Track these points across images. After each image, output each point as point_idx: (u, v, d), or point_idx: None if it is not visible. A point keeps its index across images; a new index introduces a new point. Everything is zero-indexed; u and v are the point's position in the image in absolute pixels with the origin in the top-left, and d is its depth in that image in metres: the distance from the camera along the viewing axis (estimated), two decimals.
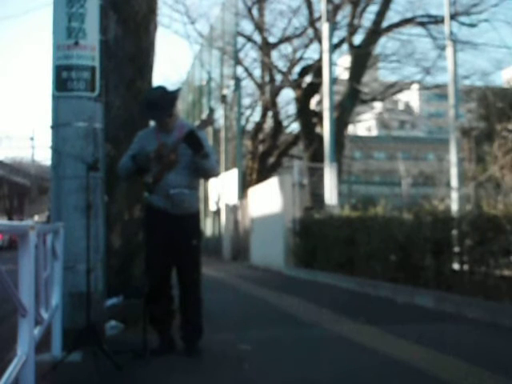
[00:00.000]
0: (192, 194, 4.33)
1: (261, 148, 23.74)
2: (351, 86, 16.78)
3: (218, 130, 22.05)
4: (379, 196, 10.91)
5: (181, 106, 26.77)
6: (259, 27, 20.65)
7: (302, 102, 18.57)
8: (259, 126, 23.98)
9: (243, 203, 17.37)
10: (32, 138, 48.65)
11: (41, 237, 3.32)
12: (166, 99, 4.23)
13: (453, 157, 11.46)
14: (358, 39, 17.99)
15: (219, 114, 21.39)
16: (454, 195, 10.56)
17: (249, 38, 21.25)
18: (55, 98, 4.58)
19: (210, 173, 4.46)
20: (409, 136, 41.43)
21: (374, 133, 46.81)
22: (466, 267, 6.65)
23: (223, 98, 20.64)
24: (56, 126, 4.58)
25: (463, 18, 16.19)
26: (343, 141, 16.89)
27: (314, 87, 18.14)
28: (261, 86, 22.61)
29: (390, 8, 17.07)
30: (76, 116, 4.52)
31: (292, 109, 23.35)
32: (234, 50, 19.56)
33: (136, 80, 5.85)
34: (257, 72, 23.52)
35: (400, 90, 21.78)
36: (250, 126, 24.65)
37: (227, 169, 19.78)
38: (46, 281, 3.68)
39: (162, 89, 4.33)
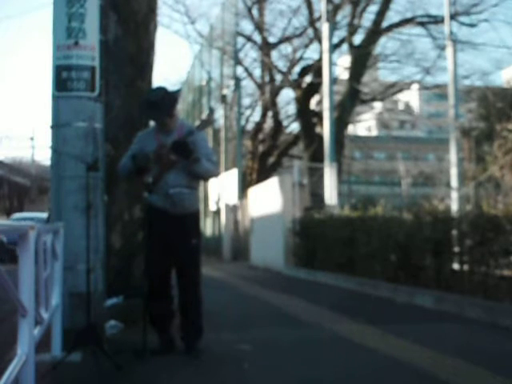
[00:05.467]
0: (191, 193, 4.33)
1: (261, 148, 23.73)
2: (351, 86, 16.78)
3: (218, 129, 22.05)
4: (379, 196, 10.91)
5: (181, 106, 26.75)
6: (259, 27, 20.65)
7: (302, 102, 18.57)
8: (259, 126, 23.96)
9: (243, 203, 17.37)
10: (32, 138, 48.60)
11: (41, 237, 3.32)
12: (166, 100, 4.24)
13: (453, 157, 11.45)
14: (358, 39, 18.02)
15: (219, 114, 21.39)
16: (454, 195, 10.56)
17: (249, 38, 21.26)
18: (55, 98, 4.58)
19: (203, 176, 4.48)
20: (409, 136, 41.37)
21: (374, 133, 46.78)
22: (466, 267, 6.64)
23: (223, 98, 20.63)
24: (56, 126, 4.58)
25: (463, 18, 16.23)
26: (343, 141, 16.89)
27: (314, 87, 18.13)
28: (261, 86, 22.60)
29: (390, 8, 17.09)
30: (76, 116, 4.52)
31: (292, 109, 23.36)
32: (233, 50, 19.55)
33: (136, 80, 5.85)
34: (257, 72, 23.53)
35: (400, 90, 21.77)
36: (250, 126, 24.65)
37: (227, 169, 19.77)
38: (46, 281, 3.68)
39: (162, 89, 4.33)
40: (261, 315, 6.49)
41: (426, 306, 6.67)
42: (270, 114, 23.38)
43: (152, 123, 4.58)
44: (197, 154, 4.18)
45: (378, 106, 29.24)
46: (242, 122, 22.20)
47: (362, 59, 17.13)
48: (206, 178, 4.74)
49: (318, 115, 17.28)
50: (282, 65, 21.70)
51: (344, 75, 19.09)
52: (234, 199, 18.36)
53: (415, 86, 23.33)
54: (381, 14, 17.01)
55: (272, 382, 3.72)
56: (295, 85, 19.11)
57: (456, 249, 6.85)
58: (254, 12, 20.77)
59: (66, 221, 4.38)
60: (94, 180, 4.39)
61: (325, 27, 13.52)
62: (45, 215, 16.09)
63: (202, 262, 4.45)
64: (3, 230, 2.62)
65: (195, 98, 25.48)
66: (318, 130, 17.43)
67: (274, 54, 21.46)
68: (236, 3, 19.02)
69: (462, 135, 11.16)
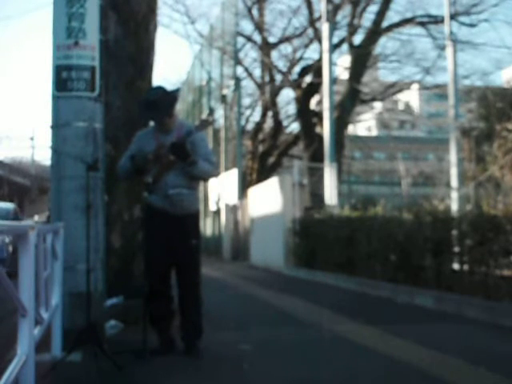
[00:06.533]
0: (191, 193, 4.33)
1: (261, 148, 23.73)
2: (351, 86, 16.77)
3: (218, 129, 22.06)
4: (379, 196, 10.91)
5: (181, 106, 26.78)
6: (259, 27, 20.64)
7: (302, 102, 18.56)
8: (259, 126, 23.97)
9: (243, 203, 17.37)
10: (32, 138, 48.71)
11: (41, 237, 3.32)
12: (165, 99, 4.23)
13: (453, 157, 11.45)
14: (358, 39, 18.02)
15: (219, 114, 21.39)
16: (454, 195, 10.55)
17: (249, 38, 21.25)
18: (55, 98, 4.58)
19: (202, 177, 4.50)
20: (409, 136, 41.39)
21: (374, 133, 46.78)
22: (466, 267, 6.64)
23: (223, 98, 20.63)
24: (56, 126, 4.58)
25: (463, 18, 16.21)
26: (343, 141, 16.88)
27: (314, 87, 18.13)
28: (261, 86, 22.60)
29: (390, 8, 17.07)
30: (76, 116, 4.52)
31: (292, 109, 23.36)
32: (233, 50, 19.55)
33: (136, 80, 5.85)
34: (257, 72, 23.53)
35: (400, 90, 21.77)
36: (250, 126, 24.65)
37: (227, 169, 19.77)
38: (46, 281, 3.68)
39: (161, 89, 4.33)
40: (261, 315, 6.49)
41: (426, 306, 6.67)
42: (270, 113, 23.38)
43: (152, 123, 4.58)
44: (194, 157, 4.18)
45: (378, 105, 29.23)
46: (242, 122, 22.20)
47: (362, 59, 17.12)
48: (204, 179, 4.77)
49: (318, 115, 17.27)
50: (282, 65, 21.74)
51: (344, 75, 19.08)
52: (234, 199, 18.36)
53: (415, 86, 23.33)
54: (381, 14, 16.99)
55: (272, 382, 3.72)
56: (295, 85, 19.10)
57: (456, 249, 6.85)
58: (254, 12, 20.77)
59: (66, 221, 4.38)
60: (93, 180, 4.39)
61: (325, 27, 13.52)
62: (7, 206, 13.41)
63: (202, 262, 4.45)
64: (3, 229, 2.62)
65: (195, 98, 25.48)
66: (318, 130, 17.42)
67: (274, 54, 21.49)
68: (236, 3, 19.02)
69: (462, 135, 11.15)
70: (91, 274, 4.12)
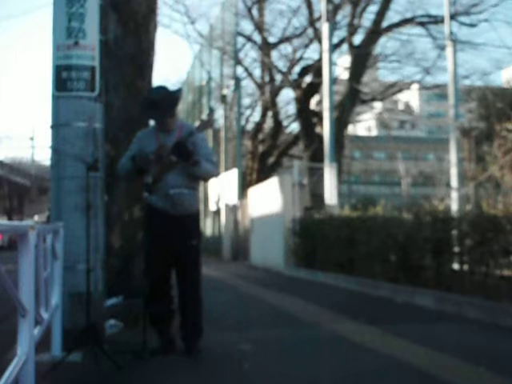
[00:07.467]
0: (191, 194, 4.33)
1: (261, 148, 23.72)
2: (351, 86, 16.78)
3: (218, 129, 22.06)
4: (379, 196, 10.91)
5: (181, 106, 26.76)
6: (259, 27, 20.64)
7: (302, 102, 18.57)
8: (259, 126, 23.97)
9: (243, 203, 17.37)
10: (32, 138, 48.71)
11: (41, 237, 3.32)
12: (168, 99, 4.23)
13: (453, 157, 11.46)
14: (358, 39, 18.03)
15: (219, 114, 21.39)
16: (454, 195, 10.56)
17: (249, 38, 21.25)
18: (55, 98, 4.58)
19: (203, 177, 4.50)
20: (409, 136, 41.44)
21: (374, 133, 46.79)
22: (466, 267, 6.64)
23: (223, 98, 20.63)
24: (56, 126, 4.58)
25: (463, 18, 16.24)
26: (343, 141, 16.89)
27: (314, 87, 18.14)
28: (261, 86, 22.60)
29: (389, 8, 17.10)
30: (76, 116, 4.52)
31: (292, 109, 23.36)
32: (233, 49, 19.55)
33: (136, 80, 5.85)
34: (257, 72, 23.53)
35: (400, 90, 21.79)
36: (250, 126, 24.65)
37: (227, 169, 19.77)
38: (46, 281, 3.68)
39: (163, 89, 4.32)
40: (261, 315, 6.48)
41: (426, 306, 6.67)
42: (270, 113, 23.38)
43: (152, 122, 4.58)
44: (196, 157, 4.18)
45: (378, 105, 29.23)
46: (242, 122, 22.20)
47: (362, 59, 17.13)
48: (205, 179, 4.77)
49: (318, 115, 17.28)
50: (281, 65, 21.73)
51: (344, 75, 19.10)
52: (234, 199, 18.35)
53: (415, 86, 23.34)
54: (381, 14, 17.01)
55: (272, 382, 3.72)
56: (295, 85, 19.10)
57: (456, 249, 6.85)
58: (254, 12, 20.77)
59: (66, 221, 4.38)
60: (93, 180, 4.39)
61: (325, 27, 13.52)
62: None
63: (202, 262, 4.45)
64: (3, 229, 2.62)
65: (195, 98, 25.48)
66: (318, 130, 17.43)
67: (274, 54, 21.49)
68: (236, 3, 19.02)
69: (462, 135, 11.15)
70: (91, 274, 4.12)
